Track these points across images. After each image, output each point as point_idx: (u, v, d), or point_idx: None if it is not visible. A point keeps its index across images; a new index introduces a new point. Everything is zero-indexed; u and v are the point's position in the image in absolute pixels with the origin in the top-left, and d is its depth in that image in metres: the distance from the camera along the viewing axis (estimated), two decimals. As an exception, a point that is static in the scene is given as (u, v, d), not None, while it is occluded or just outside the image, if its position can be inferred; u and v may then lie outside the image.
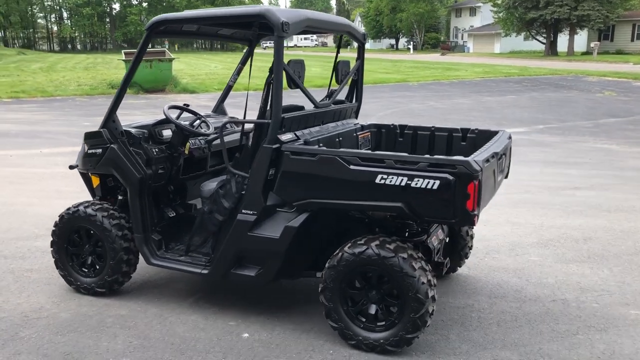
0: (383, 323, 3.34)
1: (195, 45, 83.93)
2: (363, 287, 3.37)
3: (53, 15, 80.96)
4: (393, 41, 77.27)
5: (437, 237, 3.85)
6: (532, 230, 5.69)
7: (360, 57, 4.47)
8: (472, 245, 4.48)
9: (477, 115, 14.69)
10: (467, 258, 4.49)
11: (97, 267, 4.10)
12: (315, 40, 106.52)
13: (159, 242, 4.01)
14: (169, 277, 4.47)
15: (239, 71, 4.82)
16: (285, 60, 3.45)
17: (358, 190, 3.21)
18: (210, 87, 21.27)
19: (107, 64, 36.63)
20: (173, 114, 4.30)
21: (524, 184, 7.45)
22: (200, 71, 29.91)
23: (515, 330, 3.66)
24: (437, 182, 3.01)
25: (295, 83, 3.61)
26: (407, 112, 15.38)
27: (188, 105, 4.40)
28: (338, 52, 4.60)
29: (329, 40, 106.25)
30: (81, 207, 4.06)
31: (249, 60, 4.58)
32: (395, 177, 3.10)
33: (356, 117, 4.70)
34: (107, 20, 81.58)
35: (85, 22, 77.42)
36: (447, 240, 4.31)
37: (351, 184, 3.22)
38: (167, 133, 4.18)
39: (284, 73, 3.46)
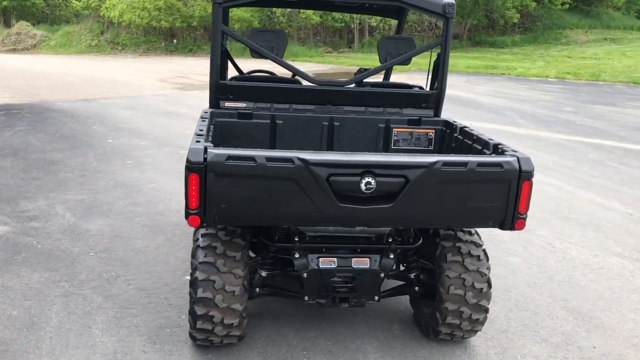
0: None
1: None
2: None
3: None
4: None
5: (346, 261, 3.07)
6: None
7: (444, 34, 3.70)
8: (460, 310, 3.15)
9: None
10: (453, 328, 3.24)
11: None
12: None
13: None
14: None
15: None
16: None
17: None
18: None
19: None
20: None
21: None
22: None
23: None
24: None
25: (259, 53, 3.58)
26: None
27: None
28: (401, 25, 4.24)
29: None
30: None
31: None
32: None
33: (435, 109, 3.94)
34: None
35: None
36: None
37: None
38: None
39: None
